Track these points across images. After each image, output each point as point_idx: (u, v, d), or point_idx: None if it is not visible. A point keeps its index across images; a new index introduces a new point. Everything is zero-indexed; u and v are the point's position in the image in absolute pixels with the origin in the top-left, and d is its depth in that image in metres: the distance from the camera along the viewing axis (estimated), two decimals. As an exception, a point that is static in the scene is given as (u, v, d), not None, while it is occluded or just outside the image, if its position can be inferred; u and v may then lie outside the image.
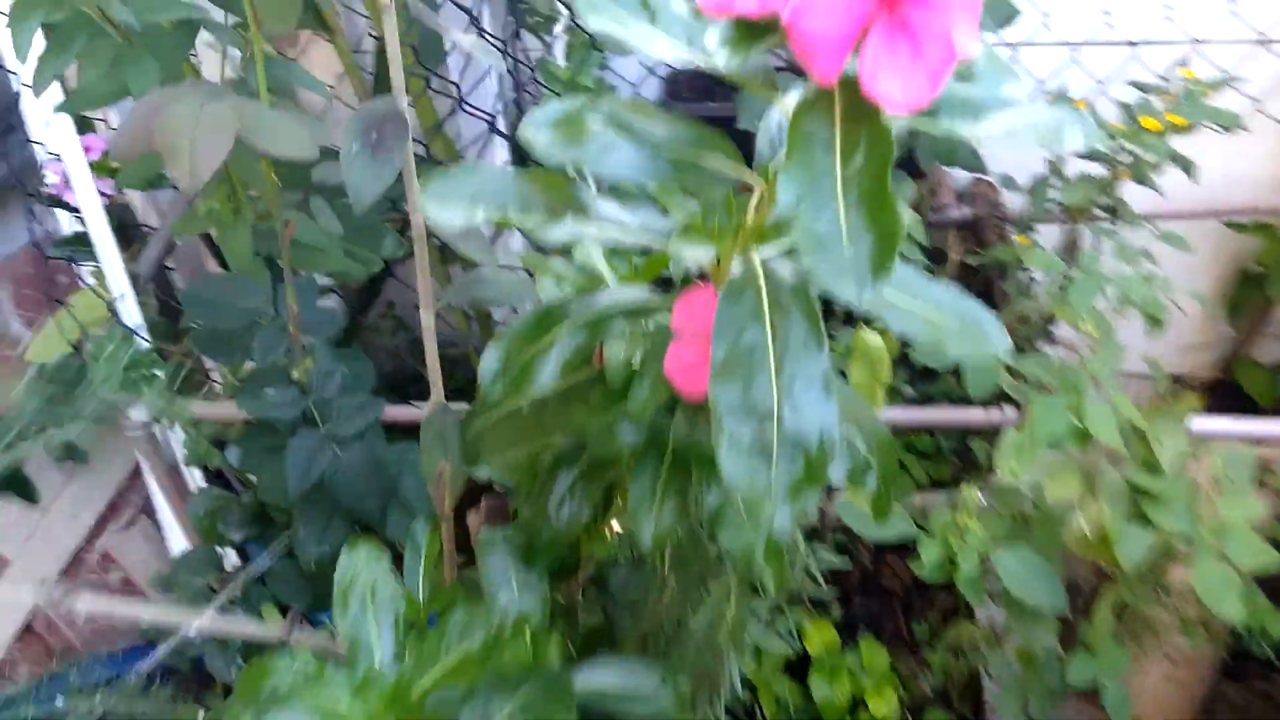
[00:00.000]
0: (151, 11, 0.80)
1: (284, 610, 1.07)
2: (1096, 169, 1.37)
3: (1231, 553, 0.87)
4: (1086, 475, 0.95)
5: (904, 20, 0.38)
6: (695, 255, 0.51)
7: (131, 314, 1.31)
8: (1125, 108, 1.32)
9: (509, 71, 1.16)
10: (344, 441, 0.98)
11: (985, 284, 1.68)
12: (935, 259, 1.66)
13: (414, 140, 1.07)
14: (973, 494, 0.94)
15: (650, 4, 0.47)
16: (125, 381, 1.01)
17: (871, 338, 1.10)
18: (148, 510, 1.78)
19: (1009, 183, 1.59)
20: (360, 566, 0.58)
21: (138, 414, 1.39)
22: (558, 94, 1.18)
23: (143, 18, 0.81)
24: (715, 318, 0.47)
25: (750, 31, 0.39)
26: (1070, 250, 1.47)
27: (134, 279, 1.30)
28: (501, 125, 1.16)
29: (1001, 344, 0.55)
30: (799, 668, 1.22)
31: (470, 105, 1.11)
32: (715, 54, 0.38)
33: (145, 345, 1.07)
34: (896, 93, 0.38)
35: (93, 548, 1.72)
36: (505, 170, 0.49)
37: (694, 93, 1.75)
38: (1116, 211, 1.34)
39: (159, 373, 1.01)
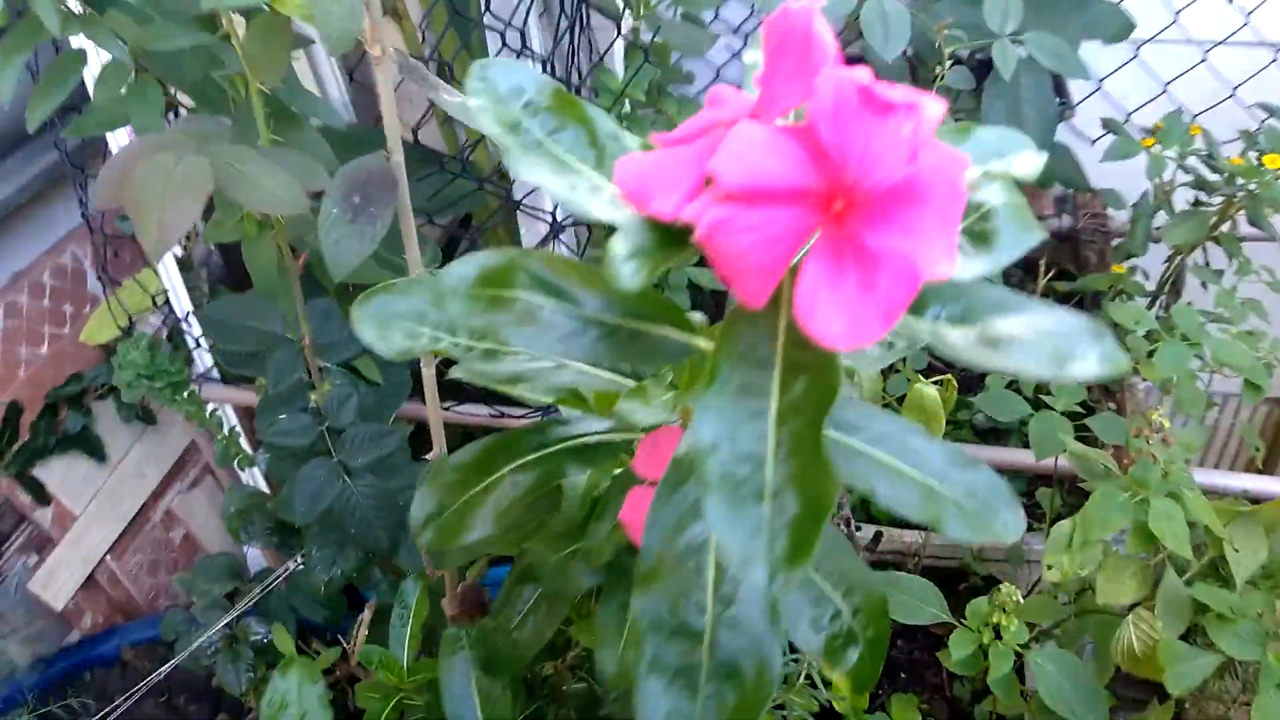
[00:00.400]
0: (166, 40, 0.76)
1: (300, 625, 1.07)
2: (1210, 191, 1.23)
3: (1301, 689, 0.77)
4: (1145, 579, 0.85)
5: (853, 238, 0.31)
6: (648, 418, 0.44)
7: (181, 302, 1.31)
8: (1248, 138, 1.17)
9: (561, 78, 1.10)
10: (356, 472, 0.96)
11: (1078, 309, 1.54)
12: (1011, 283, 1.53)
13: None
14: (1013, 591, 0.86)
15: (600, 143, 0.41)
16: (150, 390, 1.00)
17: (928, 390, 1.02)
18: (211, 470, 1.82)
19: (1115, 200, 1.45)
20: (291, 692, 0.55)
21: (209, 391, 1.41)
22: (607, 110, 1.10)
23: (155, 45, 0.77)
24: (650, 506, 0.40)
25: (666, 240, 0.32)
26: (1173, 286, 1.33)
27: (184, 265, 1.29)
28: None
29: (1014, 533, 0.47)
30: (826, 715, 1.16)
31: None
32: (617, 266, 0.31)
33: (170, 348, 1.06)
34: (839, 331, 0.30)
35: (157, 505, 1.77)
36: (457, 284, 0.42)
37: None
38: (1228, 246, 1.19)
39: (179, 378, 1.00)
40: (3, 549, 1.55)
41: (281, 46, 0.67)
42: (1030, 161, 0.36)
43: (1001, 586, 0.86)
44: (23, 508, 1.49)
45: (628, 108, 1.20)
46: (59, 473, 1.52)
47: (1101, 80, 1.72)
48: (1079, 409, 1.09)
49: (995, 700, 1.05)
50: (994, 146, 0.37)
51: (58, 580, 1.60)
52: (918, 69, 0.99)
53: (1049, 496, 1.22)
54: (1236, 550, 0.84)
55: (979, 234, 0.41)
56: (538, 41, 1.04)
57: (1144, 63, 1.67)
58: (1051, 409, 1.10)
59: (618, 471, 0.53)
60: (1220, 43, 1.62)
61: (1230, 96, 1.66)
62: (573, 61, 1.13)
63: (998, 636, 0.87)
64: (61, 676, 1.59)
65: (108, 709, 1.08)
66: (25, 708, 1.47)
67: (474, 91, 0.40)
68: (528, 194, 1.16)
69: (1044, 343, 0.34)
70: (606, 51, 1.15)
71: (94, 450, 1.57)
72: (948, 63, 0.96)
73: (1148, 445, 0.83)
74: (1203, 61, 1.64)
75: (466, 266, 0.40)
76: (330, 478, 0.94)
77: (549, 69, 1.08)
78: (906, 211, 0.30)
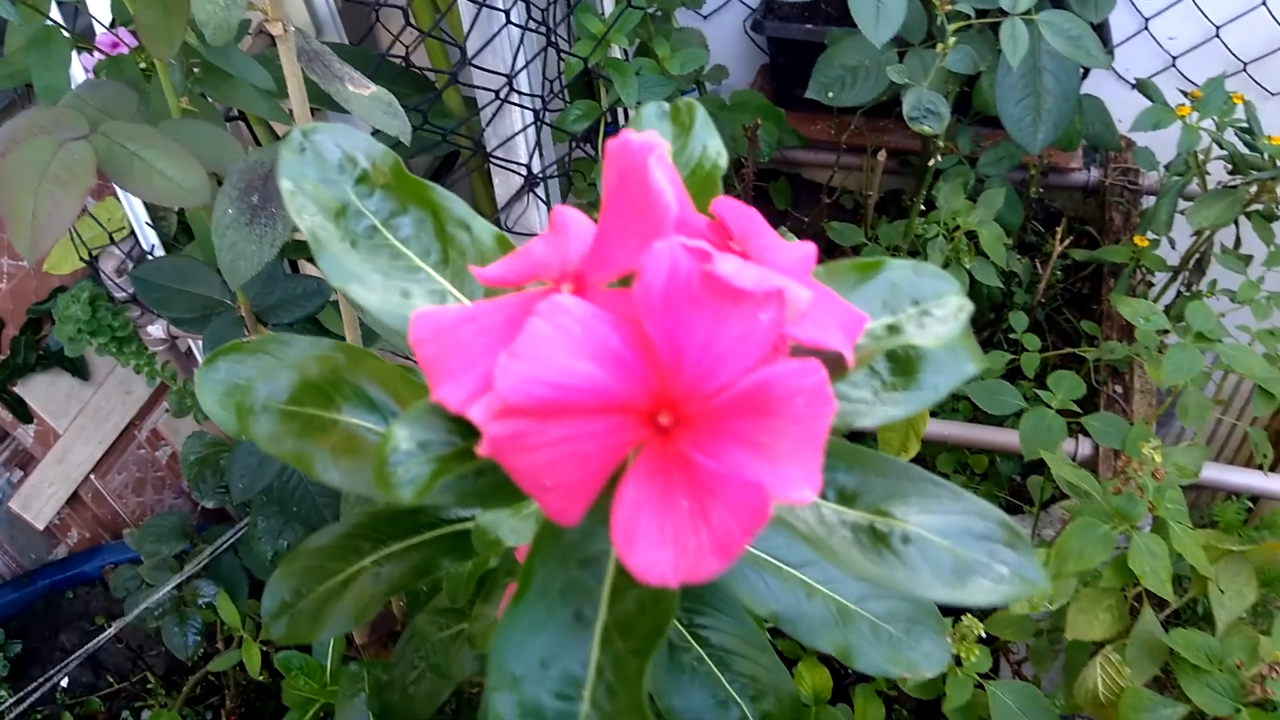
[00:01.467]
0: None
1: (252, 584, 1.04)
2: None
3: (1274, 749, 0.72)
4: (1120, 614, 0.80)
5: (684, 458, 0.24)
6: (516, 535, 0.38)
7: (145, 237, 1.25)
8: (1294, 110, 1.05)
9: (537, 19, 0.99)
10: (299, 447, 0.91)
11: (1093, 279, 1.45)
12: (1027, 250, 1.43)
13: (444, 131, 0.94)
14: (974, 624, 0.81)
15: (448, 234, 0.33)
16: (99, 347, 0.95)
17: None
18: (198, 390, 1.79)
19: (1148, 160, 1.33)
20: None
21: (156, 330, 1.36)
22: (583, 59, 1.00)
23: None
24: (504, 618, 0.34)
25: (463, 435, 0.25)
26: (1198, 265, 1.23)
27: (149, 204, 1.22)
28: (524, 83, 1.00)
29: (936, 666, 0.41)
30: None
31: (479, 66, 0.96)
32: (391, 466, 0.25)
33: (119, 295, 1.01)
34: (665, 567, 0.24)
35: (142, 424, 1.75)
36: (268, 399, 0.36)
37: (795, 8, 1.52)
38: (1260, 232, 1.09)
39: (124, 332, 0.95)
40: (-15, 465, 1.54)
41: (177, 16, 0.59)
42: (951, 315, 0.29)
43: (965, 616, 0.81)
44: (4, 424, 1.47)
45: (615, 53, 1.10)
46: (41, 390, 1.50)
47: (1148, 20, 1.57)
48: (1073, 405, 1.02)
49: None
50: (907, 287, 0.30)
51: (40, 498, 1.60)
52: (905, 54, 0.88)
53: (1039, 485, 1.16)
54: (1222, 591, 0.78)
55: (903, 361, 0.33)
56: (509, -21, 0.94)
57: (1195, 2, 1.53)
58: (1046, 405, 1.03)
59: (510, 546, 0.47)
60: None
61: (1288, 44, 1.52)
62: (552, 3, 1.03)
63: (957, 664, 0.82)
64: (44, 593, 1.59)
65: (50, 673, 1.07)
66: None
67: (291, 168, 0.33)
68: (500, 144, 1.07)
69: (947, 548, 0.28)
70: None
71: (77, 368, 1.54)
72: (951, 40, 0.85)
73: (1136, 475, 0.76)
74: (1261, 4, 1.49)
75: (283, 376, 0.34)
76: (269, 456, 0.89)
77: (525, 9, 0.98)
78: (754, 426, 0.23)
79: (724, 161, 0.34)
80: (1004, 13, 0.80)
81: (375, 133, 0.73)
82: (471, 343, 0.25)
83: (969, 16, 0.84)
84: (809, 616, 0.41)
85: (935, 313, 0.29)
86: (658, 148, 0.24)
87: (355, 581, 0.43)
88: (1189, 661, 0.75)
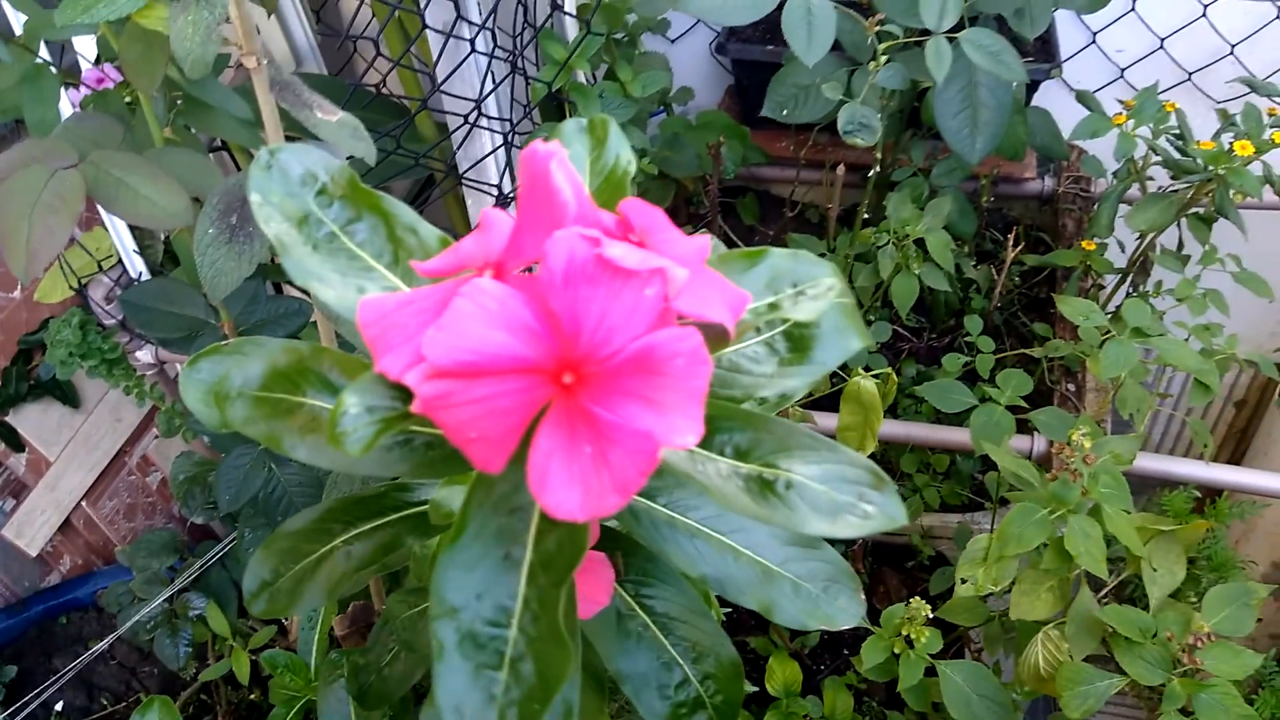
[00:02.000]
0: (58, 32, 0.73)
1: (241, 597, 1.07)
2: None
3: (1203, 713, 0.77)
4: (1061, 594, 0.85)
5: (586, 412, 0.29)
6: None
7: (133, 264, 1.30)
8: (1224, 117, 1.12)
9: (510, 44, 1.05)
10: (283, 460, 0.95)
11: (1048, 283, 1.51)
12: (984, 258, 1.49)
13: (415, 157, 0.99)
14: (923, 606, 0.85)
15: (397, 237, 0.38)
16: (90, 369, 0.99)
17: (865, 382, 1.00)
18: (187, 417, 1.83)
19: (1095, 168, 1.39)
20: (150, 735, 0.56)
21: (145, 356, 1.41)
22: (548, 84, 1.06)
23: (47, 36, 0.74)
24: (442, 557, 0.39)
25: (403, 400, 0.30)
26: (1143, 266, 1.28)
27: (134, 226, 1.27)
28: (493, 108, 1.06)
29: (850, 619, 0.46)
30: (760, 699, 1.18)
31: (448, 93, 1.01)
32: (343, 425, 0.29)
33: (109, 322, 1.05)
34: (573, 505, 0.29)
35: (132, 451, 1.78)
36: (243, 386, 0.40)
37: (758, 30, 1.58)
38: (1196, 233, 1.15)
39: (114, 355, 0.99)
40: (-23, 493, 1.57)
41: (158, 52, 0.64)
42: (822, 294, 0.34)
43: (913, 600, 0.86)
44: (-3, 454, 1.50)
45: (581, 77, 1.16)
46: (33, 419, 1.53)
47: (1095, 34, 1.64)
48: (1023, 402, 1.07)
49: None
50: (787, 272, 0.35)
51: (33, 526, 1.62)
52: (854, 73, 0.93)
53: (996, 480, 1.21)
54: (1155, 570, 0.83)
55: (797, 339, 0.38)
56: (475, 10, 0.99)
57: (1140, 16, 1.60)
58: (996, 402, 1.08)
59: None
60: (1218, -1, 1.54)
61: (1229, 54, 1.59)
62: (522, 26, 1.08)
63: (909, 645, 0.86)
64: (38, 619, 1.62)
65: (50, 679, 1.10)
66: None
67: (259, 183, 0.38)
68: (471, 166, 1.12)
69: (823, 491, 0.33)
70: (548, 20, 1.10)
71: (67, 396, 1.58)
72: (882, 59, 0.91)
73: (1069, 461, 0.81)
74: (1201, 17, 1.56)
75: (255, 364, 0.39)
76: (256, 467, 0.94)
77: (491, 38, 1.04)
78: (643, 383, 0.28)
79: (633, 168, 0.39)
80: (929, 32, 0.86)
81: (350, 159, 0.79)
82: (408, 322, 0.30)
83: (897, 36, 0.90)
84: (736, 577, 0.46)
85: (809, 292, 0.34)
86: (558, 154, 0.29)
87: (328, 560, 0.48)
88: (1124, 636, 0.80)
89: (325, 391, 0.38)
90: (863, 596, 0.47)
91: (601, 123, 0.39)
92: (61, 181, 0.63)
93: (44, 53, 0.83)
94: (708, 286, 0.31)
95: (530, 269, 0.31)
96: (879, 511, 0.32)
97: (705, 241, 0.33)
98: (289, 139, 0.76)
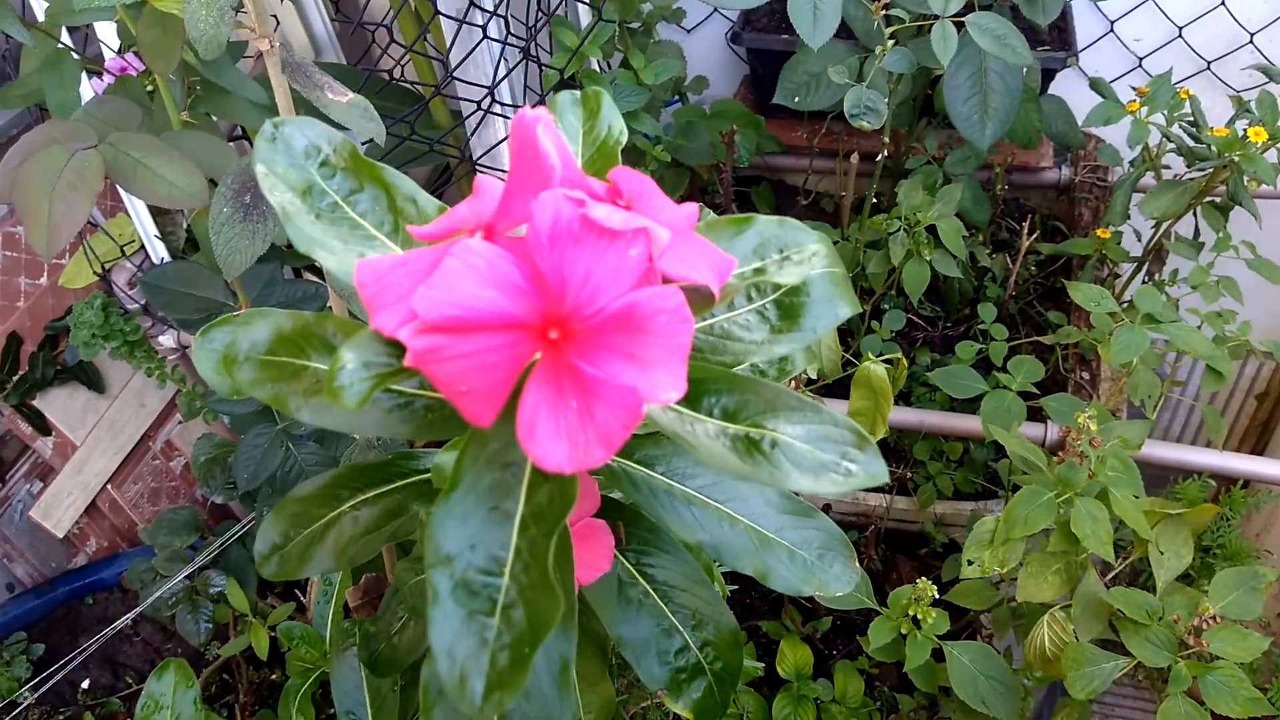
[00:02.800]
0: (75, 17, 0.75)
1: (259, 580, 1.10)
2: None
3: (1209, 696, 0.77)
4: (1068, 577, 0.85)
5: (571, 366, 0.30)
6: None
7: (156, 250, 1.32)
8: (1239, 103, 1.11)
9: (522, 36, 1.06)
10: (300, 439, 0.97)
11: (1064, 271, 1.50)
12: (1000, 247, 1.49)
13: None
14: (929, 586, 0.86)
15: (398, 207, 0.39)
16: (112, 351, 1.01)
17: (875, 367, 1.01)
18: (211, 402, 1.85)
19: (1112, 157, 1.39)
20: (166, 696, 0.57)
21: (167, 341, 1.43)
22: (559, 70, 1.07)
23: (66, 21, 0.76)
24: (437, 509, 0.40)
25: (397, 355, 0.31)
26: (1158, 254, 1.28)
27: (159, 210, 1.29)
28: (505, 94, 1.07)
29: (845, 586, 0.47)
30: (771, 681, 1.19)
31: (461, 79, 1.02)
32: (341, 380, 0.31)
33: (132, 306, 1.07)
34: (560, 457, 0.30)
35: (157, 435, 1.81)
36: (250, 350, 0.42)
37: (772, 19, 1.58)
38: (1210, 220, 1.14)
39: (135, 337, 1.01)
40: (7, 476, 1.61)
41: (175, 35, 0.66)
42: (807, 259, 0.35)
43: (920, 580, 0.86)
44: (24, 437, 1.53)
45: (594, 64, 1.17)
46: (59, 403, 1.56)
47: (1113, 23, 1.64)
48: (1035, 389, 1.08)
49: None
50: (774, 239, 0.36)
51: (59, 508, 1.65)
52: (866, 60, 0.94)
53: (1008, 468, 1.21)
54: (1162, 553, 0.83)
55: (787, 307, 0.39)
56: (489, -3, 1.00)
57: (1158, 4, 1.59)
58: (1007, 389, 1.08)
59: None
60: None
61: (1248, 43, 1.58)
62: (535, 13, 1.09)
63: (917, 626, 0.87)
64: (64, 600, 1.65)
65: (74, 653, 1.13)
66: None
67: (264, 154, 0.39)
68: (485, 152, 1.14)
69: (807, 450, 0.34)
70: (560, 6, 1.11)
71: (93, 381, 1.61)
72: (890, 43, 0.91)
73: (1075, 444, 0.82)
74: (1220, 4, 1.55)
75: (261, 329, 0.40)
76: (273, 446, 0.95)
77: (504, 25, 1.05)
78: (626, 339, 0.29)
79: (624, 138, 0.40)
80: (938, 17, 0.86)
81: (369, 143, 0.80)
82: (402, 281, 0.31)
83: (904, 20, 0.90)
84: (732, 544, 0.46)
85: (794, 257, 0.35)
86: (545, 119, 0.30)
87: (336, 524, 0.49)
88: (1130, 618, 0.80)
89: (329, 355, 0.39)
90: (856, 564, 0.48)
91: (595, 95, 0.40)
92: (81, 161, 0.65)
93: (66, 39, 0.85)
94: (693, 250, 0.32)
95: (521, 232, 0.32)
96: (861, 469, 0.33)
97: (693, 208, 0.34)
98: (304, 123, 0.77)
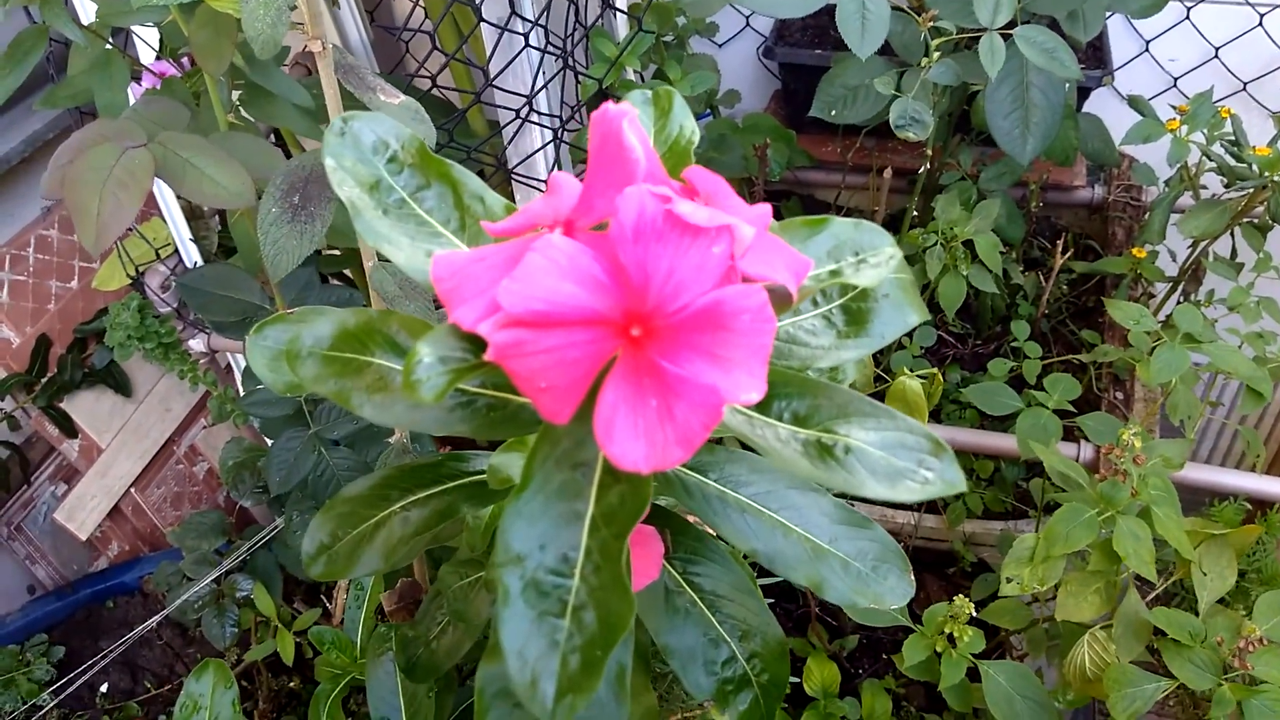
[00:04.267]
0: (127, 17, 0.75)
1: (287, 581, 1.10)
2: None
3: (1252, 719, 0.76)
4: (1108, 596, 0.84)
5: (652, 364, 0.29)
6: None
7: (189, 253, 1.33)
8: (1280, 122, 1.10)
9: (559, 46, 1.06)
10: (332, 444, 0.97)
11: (1097, 290, 1.49)
12: (1032, 265, 1.48)
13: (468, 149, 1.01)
14: (966, 604, 0.85)
15: (465, 204, 0.39)
16: (142, 351, 1.02)
17: (910, 383, 1.00)
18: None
19: (1147, 176, 1.38)
20: (204, 696, 0.57)
21: (197, 345, 1.44)
22: (598, 80, 1.07)
23: (117, 22, 0.77)
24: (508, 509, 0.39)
25: (475, 350, 0.31)
26: (1194, 274, 1.27)
27: (193, 214, 1.30)
28: (543, 104, 1.07)
29: (900, 598, 0.46)
30: (797, 700, 1.17)
31: (500, 88, 1.03)
32: (418, 374, 0.30)
33: (164, 309, 1.08)
34: (637, 456, 0.30)
35: (181, 440, 1.82)
36: (314, 345, 0.42)
37: (805, 34, 1.59)
38: (1250, 239, 1.13)
39: (170, 339, 1.02)
40: (33, 478, 1.62)
41: (226, 36, 0.66)
42: (884, 262, 0.34)
43: (956, 598, 0.85)
44: (51, 439, 1.54)
45: (631, 75, 1.17)
46: (86, 406, 1.57)
47: (1149, 42, 1.63)
48: (1071, 407, 1.06)
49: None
50: (849, 241, 0.35)
51: (83, 510, 1.66)
52: (904, 74, 0.93)
53: (1040, 487, 1.20)
54: (1205, 574, 0.82)
55: (854, 313, 0.39)
56: (529, 6, 1.01)
57: (1194, 25, 1.58)
58: (1043, 406, 1.07)
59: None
60: (1277, 6, 1.52)
61: (1284, 65, 1.56)
62: (573, 24, 1.09)
63: (952, 644, 0.86)
64: (86, 603, 1.65)
65: (93, 659, 1.13)
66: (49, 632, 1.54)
67: (333, 148, 0.39)
68: (521, 161, 1.14)
69: (882, 457, 0.33)
70: (599, 19, 1.11)
71: (120, 385, 1.61)
72: (935, 55, 0.91)
73: (1118, 462, 0.81)
74: (1259, 25, 1.54)
75: (324, 325, 0.40)
76: (305, 450, 0.95)
77: (544, 34, 1.05)
78: (709, 338, 0.29)
79: (696, 138, 0.40)
80: (979, 35, 0.86)
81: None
82: (481, 275, 0.31)
83: (951, 33, 0.90)
84: (785, 553, 0.46)
85: (870, 260, 0.35)
86: (630, 113, 0.30)
87: (386, 525, 0.49)
88: (1172, 639, 0.79)
89: (392, 352, 0.39)
90: (912, 576, 0.47)
91: (667, 94, 0.39)
92: (132, 159, 0.65)
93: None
94: (772, 250, 0.32)
95: (599, 228, 0.32)
96: (938, 477, 0.32)
97: (766, 210, 0.34)
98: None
